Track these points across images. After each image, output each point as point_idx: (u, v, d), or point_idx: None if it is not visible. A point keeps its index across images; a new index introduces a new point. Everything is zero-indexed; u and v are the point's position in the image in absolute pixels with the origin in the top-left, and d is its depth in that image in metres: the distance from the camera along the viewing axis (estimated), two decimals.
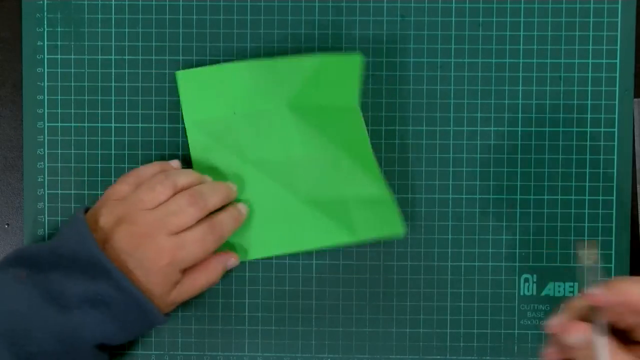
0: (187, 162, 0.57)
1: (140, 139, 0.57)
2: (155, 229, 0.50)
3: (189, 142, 0.56)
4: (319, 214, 0.56)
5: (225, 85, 0.55)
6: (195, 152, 0.56)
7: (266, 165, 0.56)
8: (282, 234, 0.56)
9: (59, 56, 0.57)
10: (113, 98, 0.57)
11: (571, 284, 0.57)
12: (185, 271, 0.52)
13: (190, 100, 0.56)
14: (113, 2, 0.57)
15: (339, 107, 0.55)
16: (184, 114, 0.56)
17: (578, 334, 0.39)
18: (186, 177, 0.53)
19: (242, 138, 0.56)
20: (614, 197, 0.57)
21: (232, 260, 0.56)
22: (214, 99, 0.56)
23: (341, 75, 0.55)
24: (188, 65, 0.57)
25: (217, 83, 0.55)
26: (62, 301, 0.48)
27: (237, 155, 0.56)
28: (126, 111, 0.57)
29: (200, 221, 0.52)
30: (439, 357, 0.57)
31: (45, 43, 0.57)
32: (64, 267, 0.49)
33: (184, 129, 0.57)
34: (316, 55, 0.55)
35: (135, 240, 0.49)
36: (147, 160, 0.57)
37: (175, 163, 0.56)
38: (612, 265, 0.57)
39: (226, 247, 0.55)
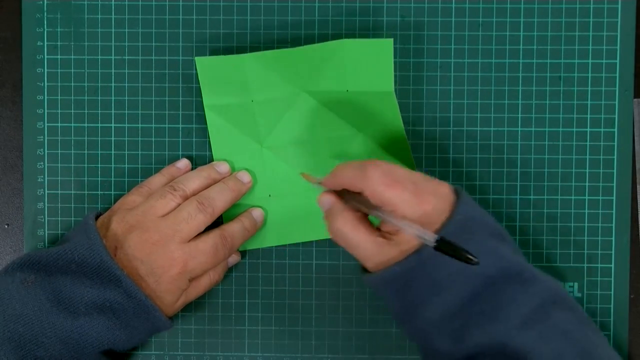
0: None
1: (140, 139, 0.57)
2: (167, 236, 0.50)
3: (208, 127, 0.56)
4: None
5: (243, 75, 0.55)
6: (214, 137, 0.56)
7: (285, 152, 0.56)
8: (298, 223, 0.56)
9: (59, 56, 0.57)
10: (113, 98, 0.57)
11: (571, 284, 0.57)
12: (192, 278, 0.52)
13: (209, 86, 0.56)
14: (113, 2, 0.57)
15: (371, 92, 0.54)
16: (203, 98, 0.56)
17: (323, 204, 0.50)
18: (195, 181, 0.54)
19: (260, 125, 0.56)
20: (614, 197, 0.57)
21: (234, 259, 0.56)
22: (232, 87, 0.55)
23: (373, 59, 0.54)
24: (188, 65, 0.57)
25: (235, 72, 0.55)
26: (70, 307, 0.48)
27: (256, 141, 0.56)
28: (126, 111, 0.57)
29: (212, 230, 0.53)
30: None
31: (45, 43, 0.57)
32: (73, 273, 0.49)
33: (184, 129, 0.57)
34: (341, 41, 0.54)
35: (148, 247, 0.49)
36: (147, 160, 0.57)
37: (183, 163, 0.56)
38: (612, 265, 0.57)
39: None
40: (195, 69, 0.56)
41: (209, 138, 0.57)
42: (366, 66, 0.54)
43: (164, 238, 0.50)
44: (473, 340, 0.46)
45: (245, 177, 0.55)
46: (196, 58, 0.55)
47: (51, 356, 0.48)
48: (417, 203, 0.45)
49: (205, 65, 0.55)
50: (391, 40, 0.54)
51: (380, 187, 0.46)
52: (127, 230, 0.50)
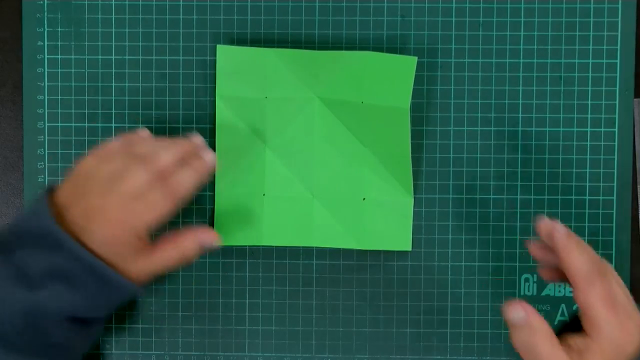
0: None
1: None
2: (106, 197, 0.48)
3: (217, 116, 0.56)
4: (330, 215, 0.56)
5: (262, 69, 0.55)
6: (220, 127, 0.56)
7: (286, 156, 0.56)
8: (290, 226, 0.56)
9: (59, 56, 0.57)
10: (113, 98, 0.57)
11: None
12: (156, 240, 0.50)
13: (226, 75, 0.56)
14: (113, 2, 0.57)
15: (386, 106, 0.54)
16: (217, 87, 0.56)
17: (515, 314, 0.46)
18: (147, 145, 0.51)
19: (268, 123, 0.56)
20: (614, 197, 0.57)
21: (208, 236, 0.52)
22: (248, 79, 0.56)
23: (394, 75, 0.54)
24: (188, 65, 0.57)
25: (255, 65, 0.55)
26: (26, 278, 0.47)
27: (261, 139, 0.56)
28: (126, 111, 0.57)
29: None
30: (439, 357, 0.57)
31: (45, 43, 0.57)
32: (24, 244, 0.48)
33: (184, 128, 0.57)
34: (365, 53, 0.54)
35: (88, 212, 0.48)
36: None
37: (144, 132, 0.53)
38: (612, 265, 0.57)
39: (231, 229, 0.56)
40: (195, 69, 0.56)
41: (213, 125, 0.56)
42: (386, 80, 0.54)
43: (103, 200, 0.48)
44: None
45: (199, 139, 0.52)
46: (218, 46, 0.55)
47: (17, 332, 0.47)
48: (620, 330, 0.44)
49: (226, 54, 0.55)
50: (415, 58, 0.53)
51: (598, 303, 0.45)
52: (73, 197, 0.49)
